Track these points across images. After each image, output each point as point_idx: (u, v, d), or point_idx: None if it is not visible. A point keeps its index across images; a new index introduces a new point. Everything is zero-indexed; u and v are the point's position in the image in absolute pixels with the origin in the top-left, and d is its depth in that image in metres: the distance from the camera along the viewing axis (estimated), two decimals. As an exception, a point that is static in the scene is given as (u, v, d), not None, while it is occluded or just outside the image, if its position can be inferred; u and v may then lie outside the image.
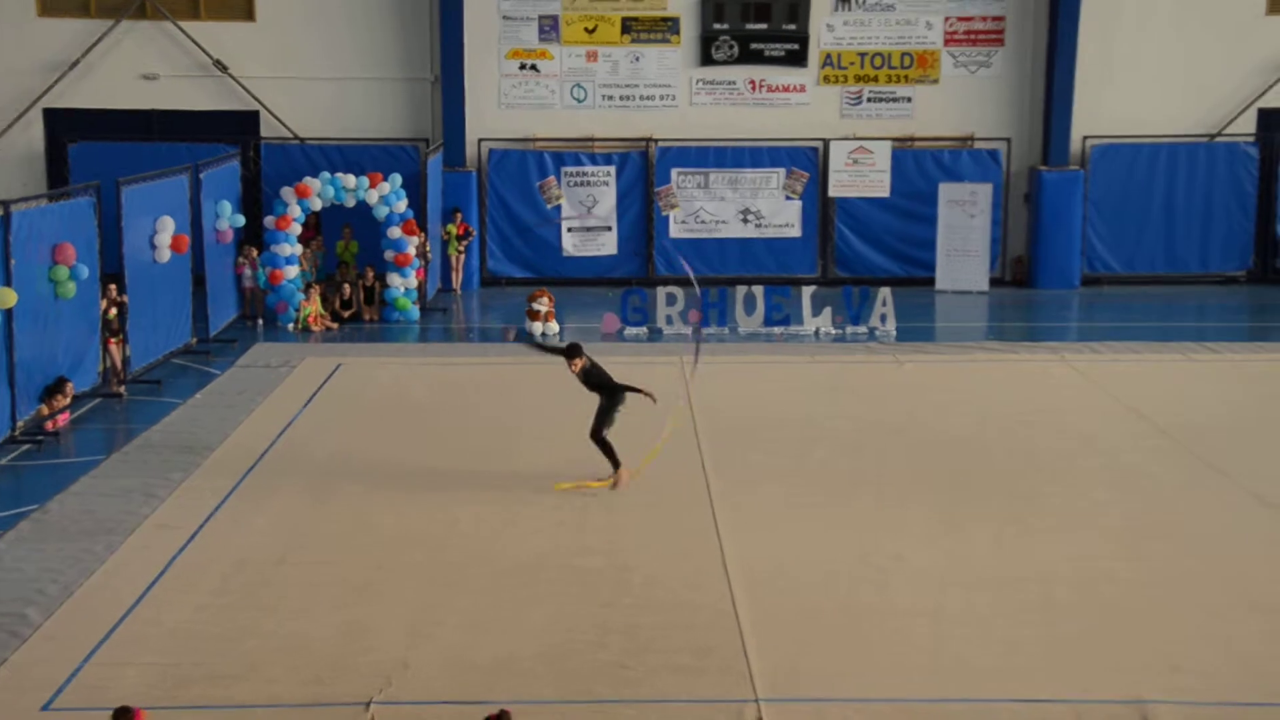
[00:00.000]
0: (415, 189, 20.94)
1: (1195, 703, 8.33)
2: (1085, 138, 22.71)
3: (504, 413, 15.06)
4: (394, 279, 20.30)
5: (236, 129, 22.60)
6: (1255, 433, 14.00)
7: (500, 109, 23.24)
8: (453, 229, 22.28)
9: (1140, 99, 22.68)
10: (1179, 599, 9.88)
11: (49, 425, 14.27)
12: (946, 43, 23.12)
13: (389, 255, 20.27)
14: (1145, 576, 10.31)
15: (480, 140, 23.09)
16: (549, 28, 23.18)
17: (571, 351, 12.48)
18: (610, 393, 12.42)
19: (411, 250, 20.26)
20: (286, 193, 20.01)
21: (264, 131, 22.85)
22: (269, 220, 20.07)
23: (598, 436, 12.39)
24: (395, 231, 20.23)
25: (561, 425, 14.34)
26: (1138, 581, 10.21)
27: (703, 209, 23.21)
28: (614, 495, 12.17)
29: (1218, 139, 22.74)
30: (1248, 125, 22.80)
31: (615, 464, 12.39)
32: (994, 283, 22.68)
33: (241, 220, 19.81)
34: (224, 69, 22.74)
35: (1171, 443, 13.68)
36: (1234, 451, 13.27)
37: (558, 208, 23.08)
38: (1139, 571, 10.40)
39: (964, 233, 22.50)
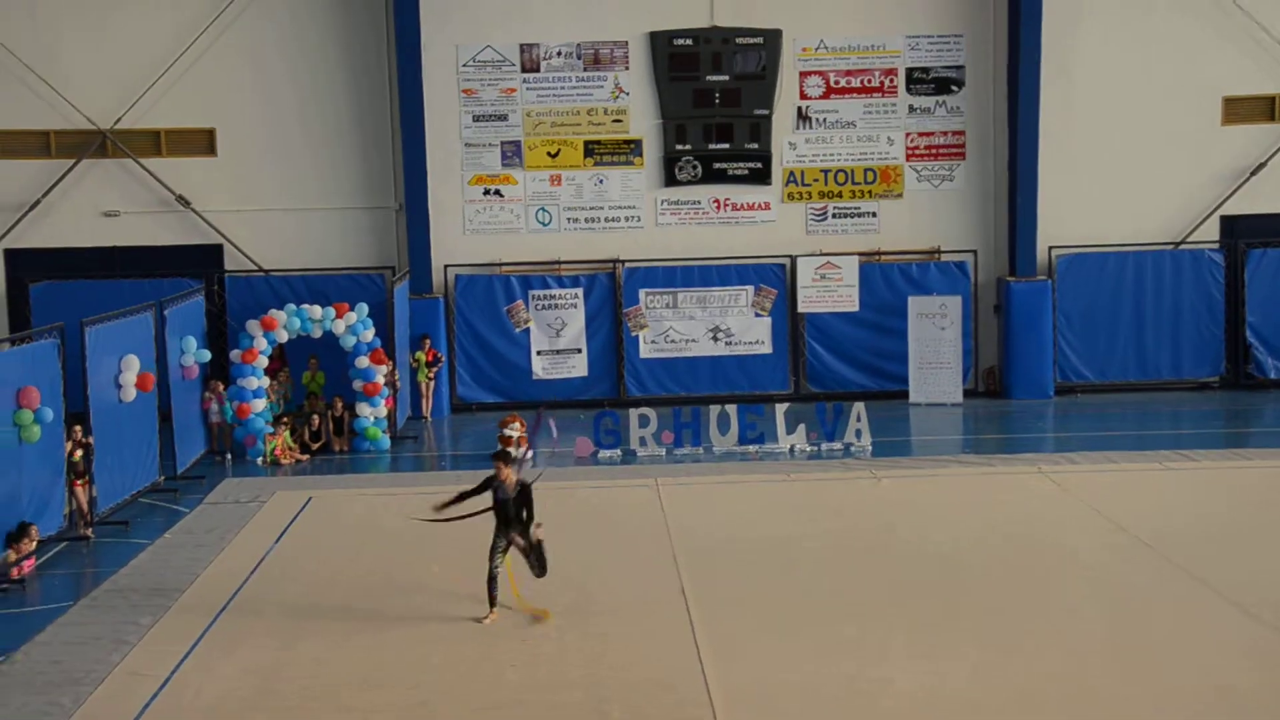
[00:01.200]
0: (382, 317, 20.84)
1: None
2: (1051, 248, 22.87)
3: (478, 542, 14.74)
4: (363, 408, 20.10)
5: (200, 262, 22.51)
6: (1235, 541, 13.86)
7: (465, 234, 23.27)
8: (421, 356, 22.14)
9: (1104, 209, 22.89)
10: (1165, 717, 9.64)
11: (14, 572, 13.91)
12: (908, 157, 23.35)
13: (357, 385, 20.10)
14: (1132, 693, 10.07)
15: (446, 266, 23.07)
16: (511, 153, 23.30)
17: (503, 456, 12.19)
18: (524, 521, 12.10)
19: (380, 379, 20.10)
20: (252, 325, 19.86)
21: (228, 264, 22.77)
22: (235, 354, 19.89)
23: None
24: (363, 361, 20.08)
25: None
26: (1124, 698, 9.98)
27: (672, 328, 23.18)
28: (593, 626, 11.87)
29: (1182, 246, 22.94)
30: (1211, 232, 23.01)
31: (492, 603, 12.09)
32: (967, 394, 22.65)
33: (207, 355, 19.63)
34: (186, 204, 22.73)
35: (1152, 554, 13.51)
36: (1215, 561, 13.11)
37: (527, 331, 23.01)
38: (1126, 689, 10.17)
39: (935, 345, 22.51)
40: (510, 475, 12.22)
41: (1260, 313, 22.68)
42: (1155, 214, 22.97)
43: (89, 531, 15.59)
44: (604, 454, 19.12)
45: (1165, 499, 15.68)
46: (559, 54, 23.14)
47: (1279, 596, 12.05)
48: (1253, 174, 22.72)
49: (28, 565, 14.16)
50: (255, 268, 22.66)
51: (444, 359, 22.53)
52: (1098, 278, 22.85)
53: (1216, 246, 22.89)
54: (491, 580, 12.11)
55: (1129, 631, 11.36)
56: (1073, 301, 22.87)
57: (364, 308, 20.27)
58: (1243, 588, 12.26)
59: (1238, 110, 22.85)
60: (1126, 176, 22.90)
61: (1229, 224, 23.00)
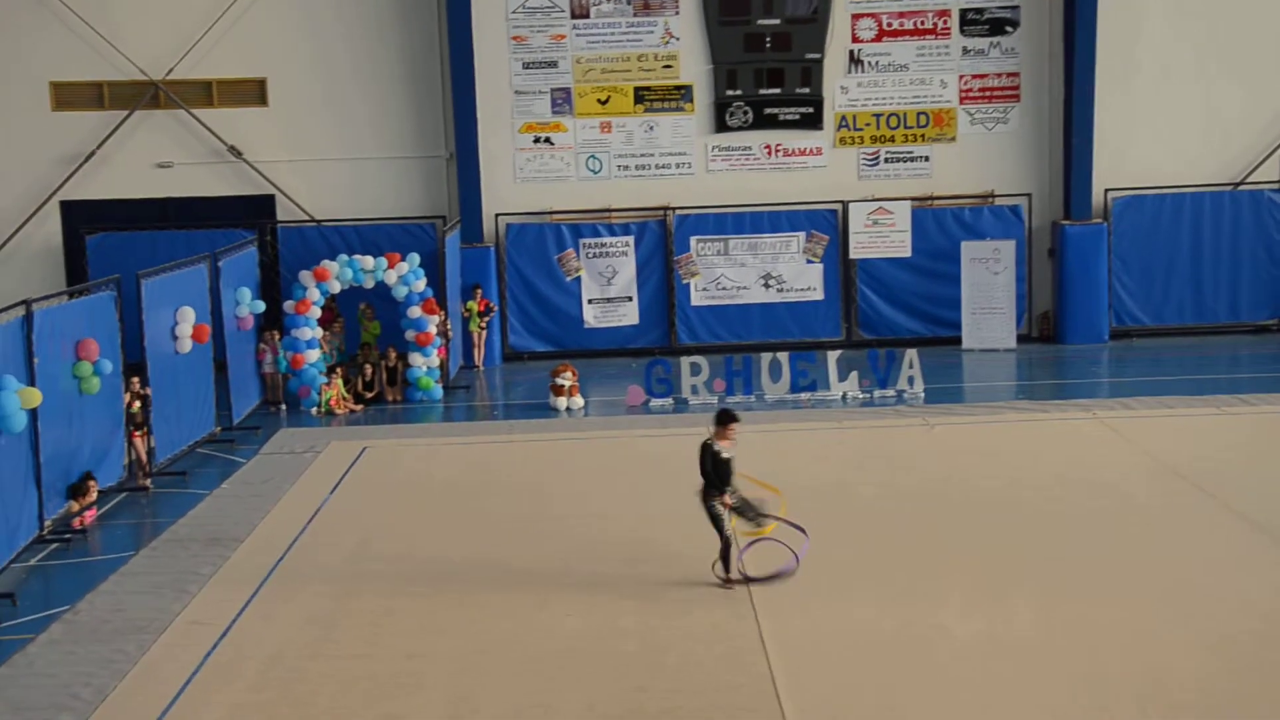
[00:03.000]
0: (434, 267, 20.91)
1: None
2: (1107, 190, 22.57)
3: (531, 491, 14.88)
4: (416, 358, 20.20)
5: (252, 213, 22.65)
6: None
7: (516, 183, 23.26)
8: (473, 305, 22.21)
9: (1161, 149, 22.55)
10: (1224, 661, 9.59)
11: (76, 523, 14.15)
12: (962, 100, 23.08)
13: (410, 335, 20.20)
14: (1191, 639, 10.03)
15: (497, 215, 23.08)
16: (561, 100, 23.23)
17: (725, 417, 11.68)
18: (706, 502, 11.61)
19: (432, 329, 20.18)
20: (305, 276, 19.98)
21: (280, 215, 22.90)
22: (288, 305, 20.02)
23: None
24: (415, 311, 20.16)
25: (591, 503, 14.20)
26: (1180, 643, 9.94)
27: (723, 276, 23.11)
28: (647, 575, 11.93)
29: (1241, 187, 22.57)
30: (1270, 173, 22.62)
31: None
32: (1021, 339, 22.47)
33: (261, 306, 19.77)
34: (239, 154, 22.84)
35: (1209, 500, 13.39)
36: (1273, 507, 12.98)
37: (578, 279, 23.02)
38: (1185, 634, 10.13)
39: (988, 290, 22.33)
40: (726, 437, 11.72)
41: (1320, 254, 22.36)
42: (1214, 154, 22.62)
43: (148, 482, 15.82)
44: (655, 403, 19.14)
45: (1222, 444, 15.52)
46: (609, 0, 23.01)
47: (1339, 543, 11.95)
48: (1315, 112, 22.32)
49: (89, 516, 14.40)
50: (307, 218, 22.78)
51: (495, 308, 22.59)
52: (1154, 220, 22.56)
53: (1276, 187, 22.50)
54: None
55: (1186, 577, 11.28)
56: (1128, 244, 22.60)
57: (415, 258, 20.33)
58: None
59: (1297, 49, 22.43)
60: (1184, 115, 22.55)
61: (1289, 164, 22.63)
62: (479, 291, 22.29)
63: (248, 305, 19.25)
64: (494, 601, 11.43)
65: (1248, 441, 15.71)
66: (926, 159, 23.15)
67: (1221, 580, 11.23)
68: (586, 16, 23.00)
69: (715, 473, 11.54)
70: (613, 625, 10.83)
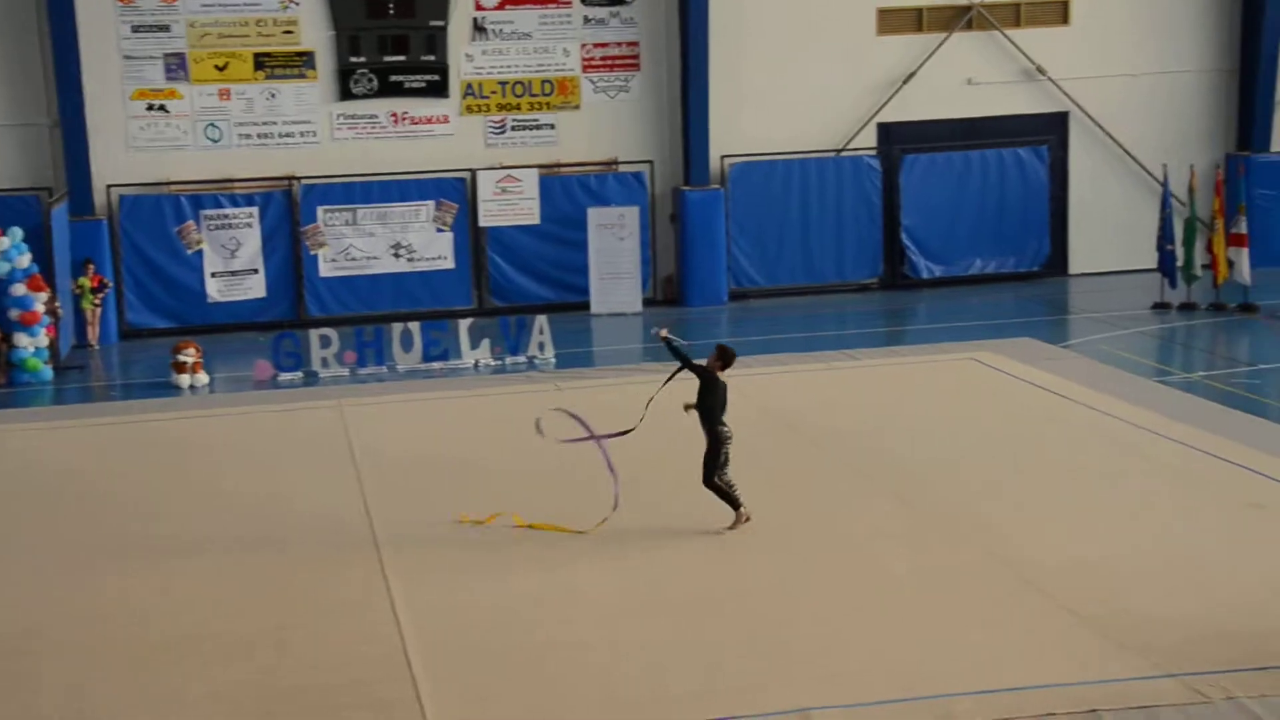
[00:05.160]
0: (40, 241, 19.69)
1: (853, 705, 8.63)
2: (723, 157, 23.50)
3: (154, 472, 14.31)
4: (21, 339, 19.00)
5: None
6: (894, 435, 14.71)
7: (129, 152, 22.16)
8: (85, 282, 21.04)
9: (772, 118, 23.59)
10: (832, 605, 10.26)
11: None
12: (585, 69, 23.49)
13: (14, 314, 18.97)
14: (801, 586, 10.66)
15: (109, 186, 21.94)
16: (176, 66, 22.25)
17: (726, 355, 11.68)
18: (712, 425, 11.59)
19: (39, 307, 19.02)
20: (-108, 254, 18.44)
21: None
22: (-126, 285, 18.45)
23: (711, 482, 11.66)
24: (19, 288, 18.96)
25: (218, 481, 13.81)
26: (796, 592, 10.56)
27: (352, 246, 22.76)
28: (275, 555, 11.71)
29: (843, 153, 23.95)
30: (869, 139, 24.09)
31: (735, 505, 11.71)
32: (647, 303, 23.15)
33: None
34: None
35: (820, 450, 14.23)
36: (877, 455, 13.92)
37: (199, 252, 22.18)
38: (799, 582, 10.76)
39: (615, 255, 22.88)
40: (716, 367, 11.73)
41: (914, 216, 23.96)
42: (819, 122, 23.83)
43: None
44: (284, 376, 18.72)
45: (832, 397, 16.49)
46: (221, -39, 22.18)
47: (931, 483, 12.92)
48: (905, 83, 23.83)
49: None
50: (-108, 192, 21.01)
51: (110, 284, 21.47)
52: (766, 185, 23.62)
53: (874, 153, 24.00)
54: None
55: (801, 526, 11.94)
56: (744, 209, 23.60)
57: (18, 231, 19.07)
58: (902, 479, 13.09)
59: (890, 21, 23.87)
60: (792, 86, 23.63)
61: (885, 131, 24.10)
62: (90, 267, 21.13)
63: None
64: (110, 589, 10.97)
65: (854, 394, 16.73)
66: (553, 127, 23.45)
67: (827, 525, 11.94)
68: (199, -22, 22.11)
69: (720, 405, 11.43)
70: (241, 605, 10.59)
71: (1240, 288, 20.85)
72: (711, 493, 11.75)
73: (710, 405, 11.63)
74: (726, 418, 11.80)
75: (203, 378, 18.66)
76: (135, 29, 22.04)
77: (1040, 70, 24.01)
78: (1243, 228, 20.79)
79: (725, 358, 11.80)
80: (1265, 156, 23.90)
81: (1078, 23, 24.17)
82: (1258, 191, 22.88)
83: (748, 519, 11.74)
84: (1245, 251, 20.72)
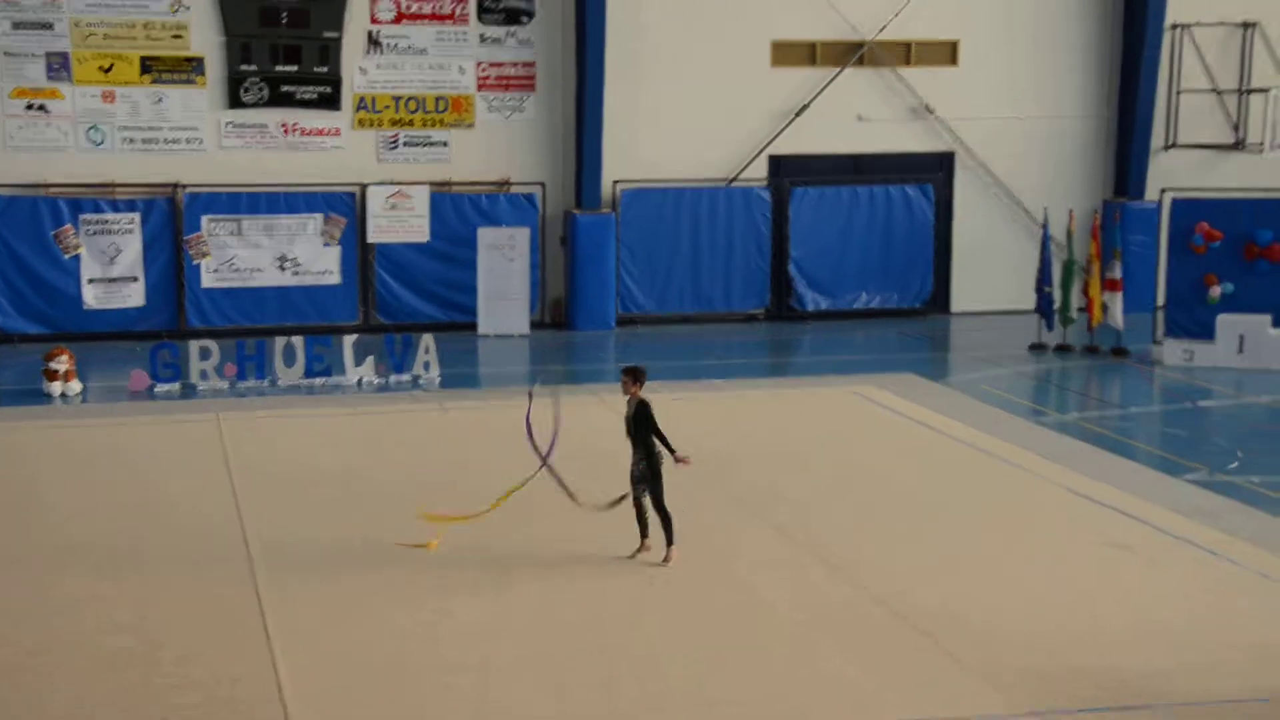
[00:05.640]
0: (-91, 240, 19.15)
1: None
2: (616, 182, 23.58)
3: (18, 484, 13.92)
4: (-113, 340, 18.42)
5: None
6: (775, 466, 14.84)
7: (6, 152, 21.64)
8: (-44, 283, 20.48)
9: (664, 145, 23.75)
10: (711, 634, 10.30)
11: None
12: (480, 87, 23.43)
13: (-120, 314, 18.40)
14: (679, 614, 10.69)
15: (-17, 186, 21.43)
16: (58, 65, 21.77)
17: (636, 373, 11.39)
18: (649, 448, 11.31)
19: (-93, 308, 18.46)
20: None
21: None
22: None
23: (659, 506, 11.40)
24: (-114, 288, 18.38)
25: (86, 495, 13.49)
26: (674, 620, 10.58)
27: (237, 256, 22.42)
28: (146, 568, 11.46)
29: (734, 184, 24.17)
30: (760, 171, 24.35)
31: (669, 538, 11.48)
32: (534, 325, 23.12)
33: None
34: None
35: (702, 479, 14.27)
36: (758, 485, 14.03)
37: (77, 257, 21.68)
38: (678, 610, 10.78)
39: (504, 276, 22.82)
40: (635, 392, 11.37)
41: (802, 248, 24.25)
42: (711, 152, 24.05)
43: None
44: (160, 388, 18.35)
45: (714, 426, 16.54)
46: (109, -39, 21.77)
47: (810, 516, 13.06)
48: (796, 116, 24.15)
49: None
50: None
51: (-19, 287, 20.94)
52: (658, 212, 23.76)
53: (764, 184, 24.26)
54: (636, 507, 11.50)
55: (682, 553, 11.98)
56: (635, 235, 23.70)
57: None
58: (779, 508, 13.21)
59: (785, 54, 24.19)
60: (686, 115, 23.82)
61: (775, 163, 24.39)
62: (-38, 268, 20.58)
63: None
64: (-31, 603, 10.66)
65: (735, 423, 16.83)
66: (445, 144, 23.36)
67: (708, 553, 11.99)
68: (86, -23, 21.68)
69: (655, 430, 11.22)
70: (108, 621, 10.35)
71: (1113, 331, 21.41)
72: (647, 518, 11.61)
73: (649, 430, 11.44)
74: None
75: (75, 386, 18.22)
76: (16, 25, 21.56)
77: (928, 108, 24.49)
78: (1117, 273, 21.35)
79: (640, 377, 11.71)
80: (1140, 204, 24.61)
81: (965, 64, 24.71)
82: (1132, 238, 23.54)
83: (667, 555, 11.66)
84: (1119, 296, 21.28)
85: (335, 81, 22.80)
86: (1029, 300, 22.61)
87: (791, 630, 10.38)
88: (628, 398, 11.62)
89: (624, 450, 11.71)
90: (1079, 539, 12.45)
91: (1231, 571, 11.59)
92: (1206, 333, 20.33)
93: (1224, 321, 20.20)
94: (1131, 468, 14.84)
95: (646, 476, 11.47)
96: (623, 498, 11.74)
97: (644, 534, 11.70)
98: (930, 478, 14.41)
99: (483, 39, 23.33)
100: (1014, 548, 12.22)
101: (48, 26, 21.65)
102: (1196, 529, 12.59)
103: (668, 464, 11.42)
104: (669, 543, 11.62)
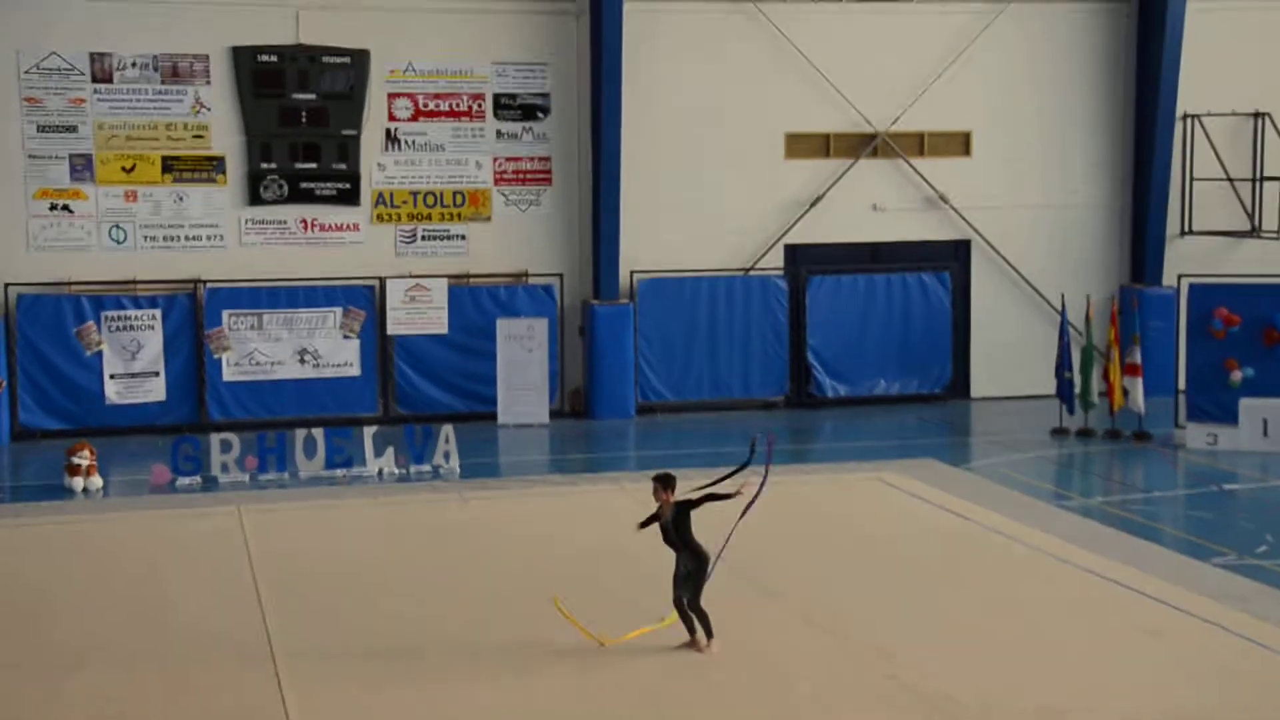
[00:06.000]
0: (-66, 339, 19.29)
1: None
2: (633, 272, 23.71)
3: (39, 579, 13.89)
4: (-90, 438, 18.50)
5: None
6: (800, 553, 14.74)
7: (30, 252, 21.88)
8: (-21, 381, 20.61)
9: (681, 235, 23.91)
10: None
11: None
12: (496, 181, 23.67)
13: (-96, 412, 18.49)
14: (708, 706, 10.57)
15: (8, 285, 21.59)
16: (82, 167, 22.06)
17: (666, 480, 11.43)
18: (694, 550, 11.44)
19: (-70, 405, 18.57)
20: None
21: None
22: None
23: (696, 605, 11.44)
24: (-89, 386, 18.50)
25: (105, 589, 13.45)
26: (703, 712, 10.46)
27: (257, 350, 22.55)
28: (166, 667, 11.38)
29: (751, 273, 24.28)
30: (776, 260, 24.48)
31: (709, 632, 11.54)
32: (554, 414, 23.13)
33: None
34: None
35: (727, 567, 14.17)
36: (783, 572, 13.91)
37: (99, 354, 21.82)
38: (706, 702, 10.67)
39: (523, 367, 22.89)
40: (668, 500, 11.42)
41: (819, 335, 24.30)
42: (728, 241, 24.21)
43: None
44: (182, 481, 18.37)
45: (736, 513, 16.43)
46: (134, 65, 22.12)
47: (836, 604, 12.93)
48: (811, 206, 24.32)
49: None
50: None
51: (4, 383, 21.03)
52: (675, 302, 23.87)
53: (781, 273, 24.37)
54: (679, 607, 11.52)
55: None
56: (652, 324, 23.78)
57: (-89, 328, 18.69)
58: (806, 597, 13.08)
59: (799, 146, 24.42)
60: (703, 205, 24.02)
61: (791, 252, 24.53)
62: (-15, 366, 20.71)
63: None
64: (-7, 701, 10.58)
65: (756, 511, 16.67)
66: (463, 238, 23.55)
67: (739, 645, 11.86)
68: (109, 81, 22.02)
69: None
70: (130, 713, 10.25)
71: (1135, 415, 21.34)
72: (693, 615, 11.53)
73: (688, 531, 11.52)
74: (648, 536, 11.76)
75: (97, 481, 18.25)
76: (41, 128, 21.88)
77: (943, 198, 24.65)
78: (1137, 358, 21.32)
79: (671, 484, 11.64)
80: (1157, 290, 24.64)
81: (979, 154, 24.90)
82: (1150, 323, 23.52)
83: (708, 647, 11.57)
84: (1140, 380, 21.23)
85: (354, 178, 23.06)
86: (1049, 385, 22.58)
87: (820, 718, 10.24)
88: (658, 505, 11.57)
89: (644, 548, 11.63)
90: (1108, 624, 12.30)
91: (1265, 657, 11.43)
92: (1229, 416, 20.25)
93: (1247, 406, 20.13)
94: (1158, 552, 14.71)
95: (691, 577, 11.47)
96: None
97: (691, 630, 11.64)
98: (956, 564, 14.28)
99: (499, 134, 23.61)
100: (1042, 634, 12.07)
101: (72, 129, 21.97)
102: (1226, 613, 12.44)
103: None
104: (709, 635, 11.56)
